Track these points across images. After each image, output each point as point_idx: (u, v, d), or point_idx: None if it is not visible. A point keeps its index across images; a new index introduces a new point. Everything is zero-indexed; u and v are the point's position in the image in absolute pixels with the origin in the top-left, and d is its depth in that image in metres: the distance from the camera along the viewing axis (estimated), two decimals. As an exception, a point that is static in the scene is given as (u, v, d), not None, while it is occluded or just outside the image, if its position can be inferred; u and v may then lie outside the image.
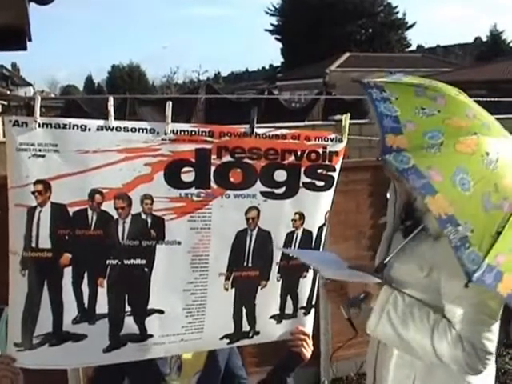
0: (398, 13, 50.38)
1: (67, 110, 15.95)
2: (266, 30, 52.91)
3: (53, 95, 49.69)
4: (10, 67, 42.30)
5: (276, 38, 52.62)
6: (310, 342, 2.80)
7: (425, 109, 2.21)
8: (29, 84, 47.28)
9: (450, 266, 2.09)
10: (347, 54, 36.32)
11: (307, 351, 2.77)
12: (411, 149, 2.09)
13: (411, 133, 2.14)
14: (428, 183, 2.01)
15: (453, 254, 1.99)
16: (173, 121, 2.40)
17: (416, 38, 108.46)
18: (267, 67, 66.91)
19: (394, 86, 2.31)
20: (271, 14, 52.28)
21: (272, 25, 52.50)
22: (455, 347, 2.15)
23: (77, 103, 15.75)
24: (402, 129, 2.14)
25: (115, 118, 2.33)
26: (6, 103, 16.15)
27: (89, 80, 75.11)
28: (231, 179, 2.50)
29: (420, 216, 2.22)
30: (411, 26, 50.99)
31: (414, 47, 53.35)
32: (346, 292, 2.52)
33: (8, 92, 21.78)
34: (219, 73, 64.34)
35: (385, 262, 2.41)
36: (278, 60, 64.65)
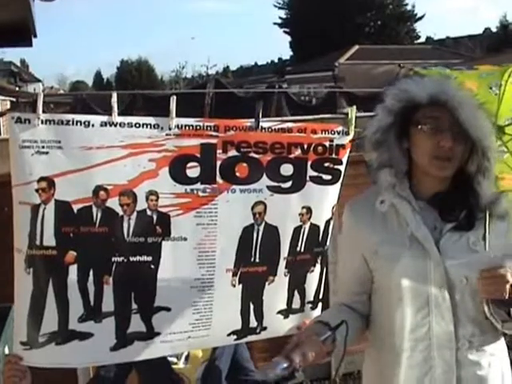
0: (407, 5, 50.05)
1: (75, 106, 15.94)
2: (275, 24, 52.78)
3: (62, 91, 49.75)
4: (18, 64, 42.42)
5: (285, 32, 52.47)
6: None
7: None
8: (38, 80, 47.23)
9: None
10: (356, 47, 36.08)
11: None
12: None
13: None
14: None
15: None
16: (182, 116, 2.38)
17: (425, 29, 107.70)
18: (276, 61, 66.76)
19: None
20: (280, 8, 52.12)
21: (280, 18, 52.30)
22: None
23: (85, 100, 15.72)
24: None
25: (125, 114, 2.31)
26: (14, 100, 16.18)
27: (98, 75, 75.13)
28: (237, 174, 2.48)
29: (488, 201, 2.12)
30: (420, 18, 50.77)
31: (423, 39, 52.99)
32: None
33: (17, 88, 21.82)
34: (228, 67, 64.01)
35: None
36: (286, 53, 64.63)
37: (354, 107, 2.63)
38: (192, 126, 2.39)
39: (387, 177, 2.21)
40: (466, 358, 2.19)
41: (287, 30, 52.17)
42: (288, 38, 52.89)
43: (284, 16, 52.08)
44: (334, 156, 2.62)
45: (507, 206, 2.10)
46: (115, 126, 2.29)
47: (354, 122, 2.63)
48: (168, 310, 2.46)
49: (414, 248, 2.17)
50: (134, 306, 2.42)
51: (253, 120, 2.47)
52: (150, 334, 2.46)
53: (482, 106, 2.08)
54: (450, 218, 2.17)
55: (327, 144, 2.60)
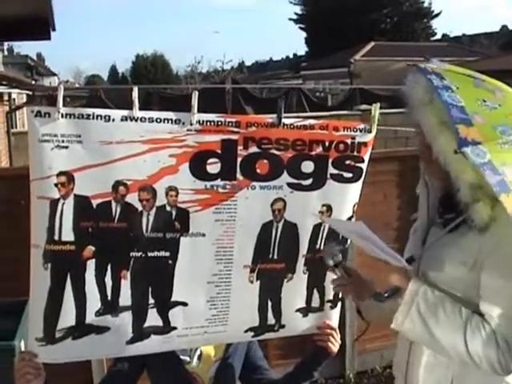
0: (423, 2, 49.95)
1: (91, 100, 15.97)
2: (290, 19, 52.72)
3: (77, 85, 49.90)
4: (35, 57, 42.59)
5: (300, 27, 52.41)
6: (338, 336, 2.76)
7: (486, 101, 2.10)
8: (54, 74, 47.41)
9: (494, 258, 2.07)
10: (372, 43, 35.95)
11: (334, 346, 2.73)
12: (486, 142, 1.98)
13: (481, 125, 2.02)
14: (503, 180, 1.90)
15: (499, 246, 2.04)
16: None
17: (441, 26, 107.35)
18: (291, 56, 66.77)
19: (452, 74, 2.21)
20: (295, 4, 52.09)
21: (296, 14, 52.27)
22: (489, 343, 2.04)
23: (100, 97, 15.72)
24: (472, 120, 2.01)
25: (141, 109, 2.29)
26: (31, 93, 16.19)
27: (113, 70, 75.17)
28: (257, 170, 2.45)
29: (464, 208, 2.11)
30: (437, 15, 50.54)
31: (439, 36, 52.76)
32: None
33: (33, 82, 21.84)
34: (243, 62, 63.75)
35: (413, 255, 2.35)
36: (302, 49, 64.42)
37: (378, 104, 2.59)
38: (213, 121, 2.36)
39: (420, 164, 2.36)
40: (416, 346, 2.36)
41: (303, 25, 52.10)
42: (303, 34, 52.91)
43: (300, 12, 52.04)
44: (355, 154, 2.59)
45: (487, 220, 2.06)
46: (136, 120, 2.26)
47: (376, 119, 2.60)
48: (185, 304, 2.46)
49: (416, 234, 2.46)
50: (151, 300, 2.42)
51: (274, 116, 2.44)
52: (167, 329, 2.46)
53: (430, 105, 2.10)
54: (442, 215, 2.30)
55: (349, 141, 2.57)
